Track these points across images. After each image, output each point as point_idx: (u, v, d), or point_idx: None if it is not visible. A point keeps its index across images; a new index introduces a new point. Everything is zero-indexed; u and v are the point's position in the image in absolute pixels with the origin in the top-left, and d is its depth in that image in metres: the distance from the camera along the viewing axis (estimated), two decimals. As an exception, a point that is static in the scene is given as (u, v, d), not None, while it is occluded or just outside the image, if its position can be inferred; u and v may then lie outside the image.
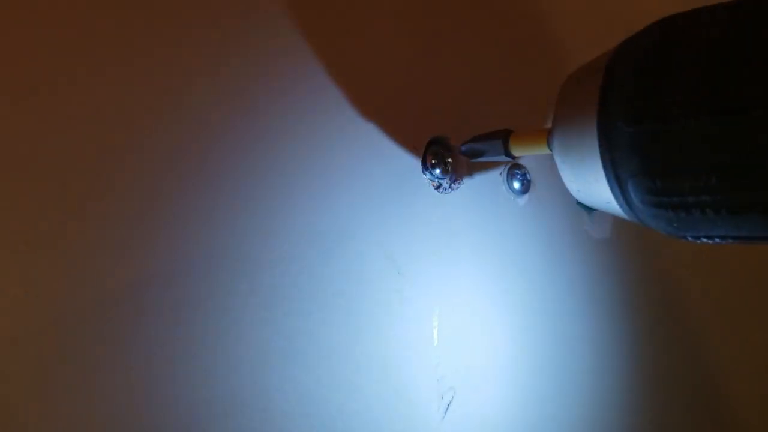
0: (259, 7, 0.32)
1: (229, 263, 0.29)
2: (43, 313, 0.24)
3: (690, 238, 0.23)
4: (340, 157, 0.34)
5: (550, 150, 0.29)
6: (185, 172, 0.28)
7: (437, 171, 0.38)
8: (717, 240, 0.22)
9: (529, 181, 0.43)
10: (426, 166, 0.38)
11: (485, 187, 0.41)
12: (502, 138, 0.32)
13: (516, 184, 0.42)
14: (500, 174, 0.42)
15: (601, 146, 0.23)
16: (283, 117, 0.32)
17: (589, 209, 0.47)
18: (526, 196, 0.43)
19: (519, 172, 0.43)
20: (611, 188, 0.24)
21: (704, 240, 0.22)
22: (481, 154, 0.35)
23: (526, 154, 0.31)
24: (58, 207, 0.25)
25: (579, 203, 0.47)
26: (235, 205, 0.30)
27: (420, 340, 0.35)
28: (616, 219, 0.49)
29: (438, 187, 0.38)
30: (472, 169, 0.40)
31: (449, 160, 0.38)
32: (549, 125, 0.29)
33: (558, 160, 0.27)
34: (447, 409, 0.34)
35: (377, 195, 0.35)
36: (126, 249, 0.26)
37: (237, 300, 0.29)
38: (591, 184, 0.25)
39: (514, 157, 0.32)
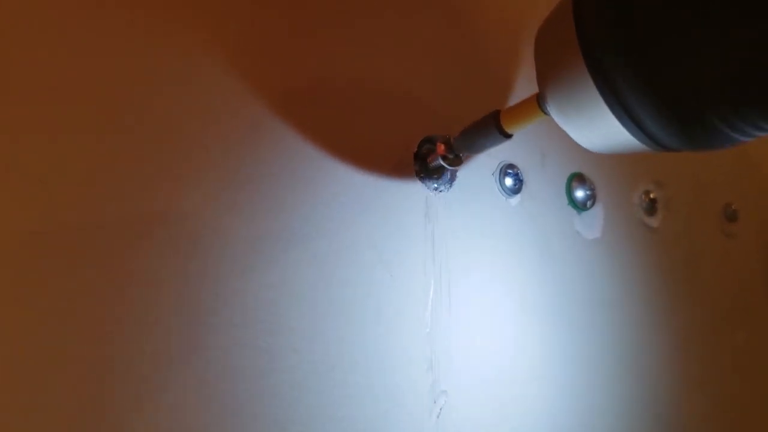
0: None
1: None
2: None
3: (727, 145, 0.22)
4: (330, 158, 0.33)
5: (546, 113, 0.28)
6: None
7: (430, 170, 0.37)
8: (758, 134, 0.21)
9: (521, 181, 0.43)
10: (419, 166, 0.37)
11: (478, 187, 0.40)
12: (493, 119, 0.31)
13: (508, 184, 0.42)
14: (493, 174, 0.41)
15: (602, 92, 0.23)
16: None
17: (580, 209, 0.47)
18: (518, 196, 0.43)
19: (511, 171, 0.42)
20: (628, 129, 0.23)
21: (745, 138, 0.22)
22: (477, 144, 0.32)
23: (522, 127, 0.30)
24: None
25: (570, 203, 0.47)
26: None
27: (412, 343, 0.34)
28: (605, 219, 0.49)
29: (431, 187, 0.37)
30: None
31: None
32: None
33: (559, 119, 0.26)
34: (440, 413, 0.34)
35: (369, 196, 0.34)
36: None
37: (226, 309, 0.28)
38: (605, 129, 0.24)
39: (509, 136, 0.31)
